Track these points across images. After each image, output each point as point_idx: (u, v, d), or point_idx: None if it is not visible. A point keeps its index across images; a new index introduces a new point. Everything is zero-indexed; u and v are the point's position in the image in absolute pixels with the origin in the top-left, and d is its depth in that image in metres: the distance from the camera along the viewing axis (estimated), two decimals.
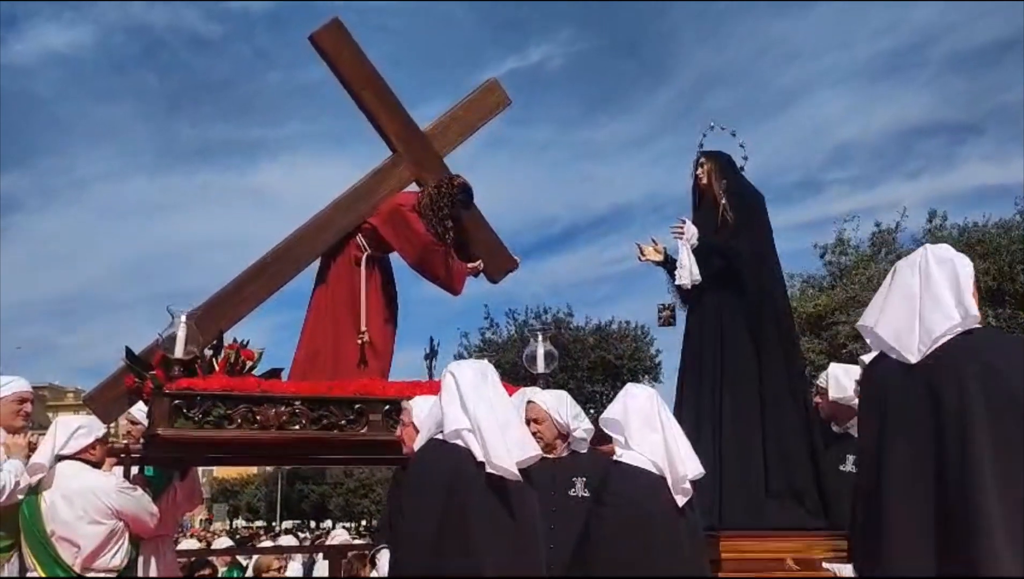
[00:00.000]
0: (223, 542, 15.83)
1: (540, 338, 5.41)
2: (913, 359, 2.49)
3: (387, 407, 4.68)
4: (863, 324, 2.75)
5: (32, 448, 4.22)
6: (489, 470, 2.81)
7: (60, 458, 3.98)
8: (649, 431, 3.16)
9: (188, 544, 12.99)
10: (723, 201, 4.81)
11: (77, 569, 3.76)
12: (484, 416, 2.90)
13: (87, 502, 3.85)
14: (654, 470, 3.09)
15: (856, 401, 4.06)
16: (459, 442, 2.87)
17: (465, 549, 2.71)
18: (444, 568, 2.68)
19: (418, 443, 3.09)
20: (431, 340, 5.77)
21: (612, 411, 3.25)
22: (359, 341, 5.27)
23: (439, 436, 2.95)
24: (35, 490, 3.88)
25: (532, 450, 2.97)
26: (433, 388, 4.74)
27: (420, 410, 3.92)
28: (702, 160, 4.96)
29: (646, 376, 21.27)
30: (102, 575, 3.86)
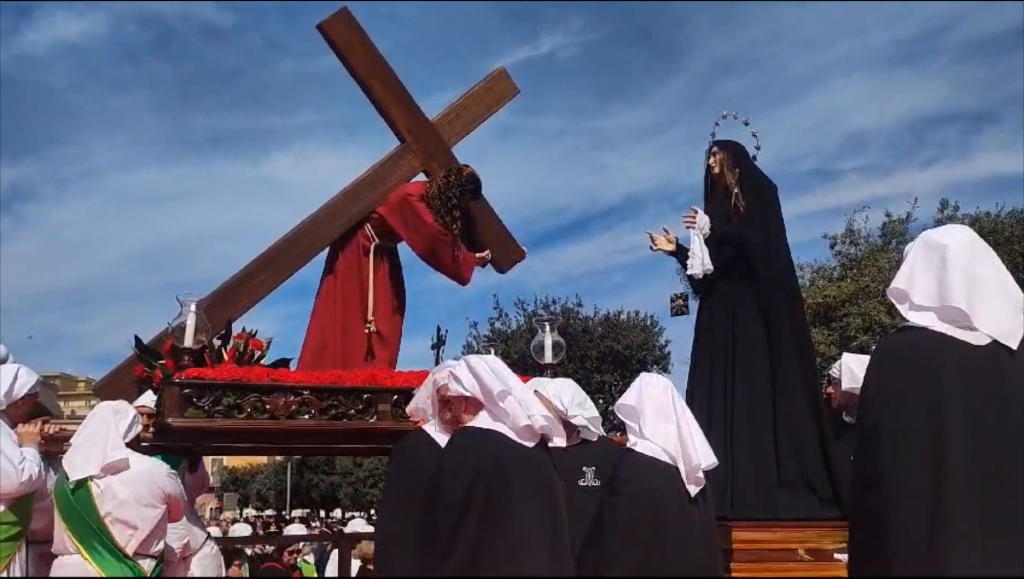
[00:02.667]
0: (242, 529, 15.96)
1: (548, 328, 5.39)
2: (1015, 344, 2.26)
3: (395, 397, 4.68)
4: (920, 301, 2.39)
5: (44, 436, 4.22)
6: (539, 424, 2.95)
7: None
8: (663, 421, 3.15)
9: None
10: (735, 190, 4.78)
11: (130, 551, 3.74)
12: (517, 386, 3.05)
13: (144, 485, 3.82)
14: (667, 459, 3.08)
15: None
16: (496, 427, 2.95)
17: (508, 528, 2.79)
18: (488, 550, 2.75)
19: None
20: (438, 329, 5.77)
21: (627, 399, 3.25)
22: (366, 331, 5.27)
23: (476, 423, 2.99)
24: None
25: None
26: None
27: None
28: (714, 149, 4.94)
29: (655, 366, 21.28)
30: (147, 559, 3.83)
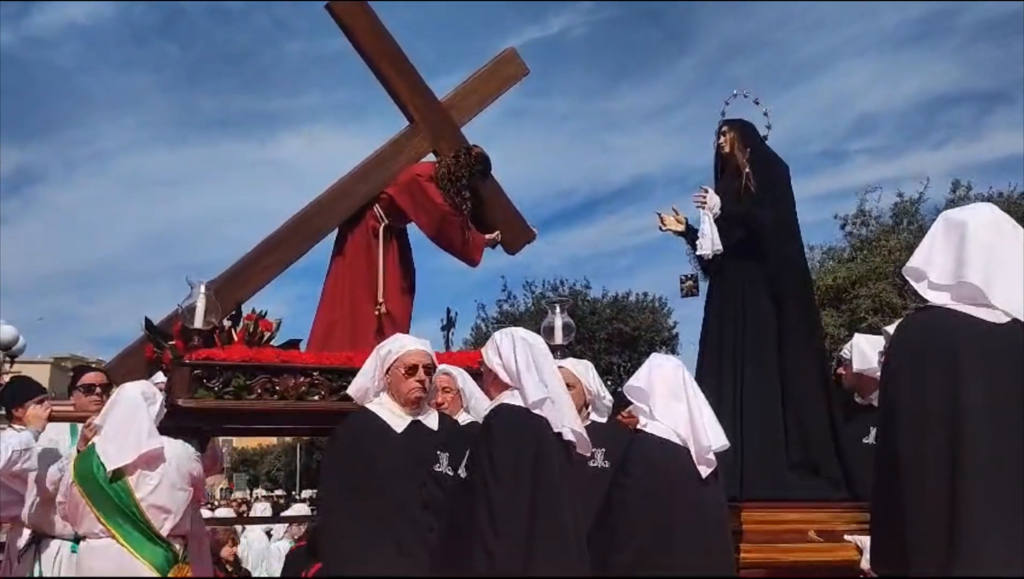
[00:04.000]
0: (262, 508, 16.13)
1: (557, 310, 5.38)
2: None
3: None
4: (938, 280, 2.36)
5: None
6: (567, 437, 2.94)
7: None
8: (674, 401, 3.12)
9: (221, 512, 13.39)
10: (746, 170, 4.72)
11: (164, 534, 3.71)
12: (556, 387, 3.02)
13: (174, 469, 3.81)
14: (677, 441, 3.07)
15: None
16: (538, 411, 2.94)
17: (558, 514, 2.81)
18: (543, 536, 2.75)
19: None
20: (448, 311, 5.76)
21: (637, 380, 3.23)
22: (376, 312, 5.25)
23: (512, 401, 2.98)
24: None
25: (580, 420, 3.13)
26: (452, 359, 4.73)
27: (463, 378, 3.97)
28: (725, 128, 4.87)
29: (664, 348, 21.22)
30: (179, 540, 3.81)
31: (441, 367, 4.23)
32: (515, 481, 2.79)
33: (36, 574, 4.05)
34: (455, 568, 2.81)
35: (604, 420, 3.99)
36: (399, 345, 3.54)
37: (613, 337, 21.09)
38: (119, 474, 3.69)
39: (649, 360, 3.31)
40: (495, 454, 2.83)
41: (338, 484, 3.35)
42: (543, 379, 2.99)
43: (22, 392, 4.37)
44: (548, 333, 5.29)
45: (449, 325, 5.73)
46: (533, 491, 2.79)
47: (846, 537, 4.03)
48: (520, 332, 3.16)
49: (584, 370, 3.98)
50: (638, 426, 3.19)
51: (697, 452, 3.06)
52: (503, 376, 3.04)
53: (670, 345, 21.73)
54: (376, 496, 3.22)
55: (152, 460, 3.75)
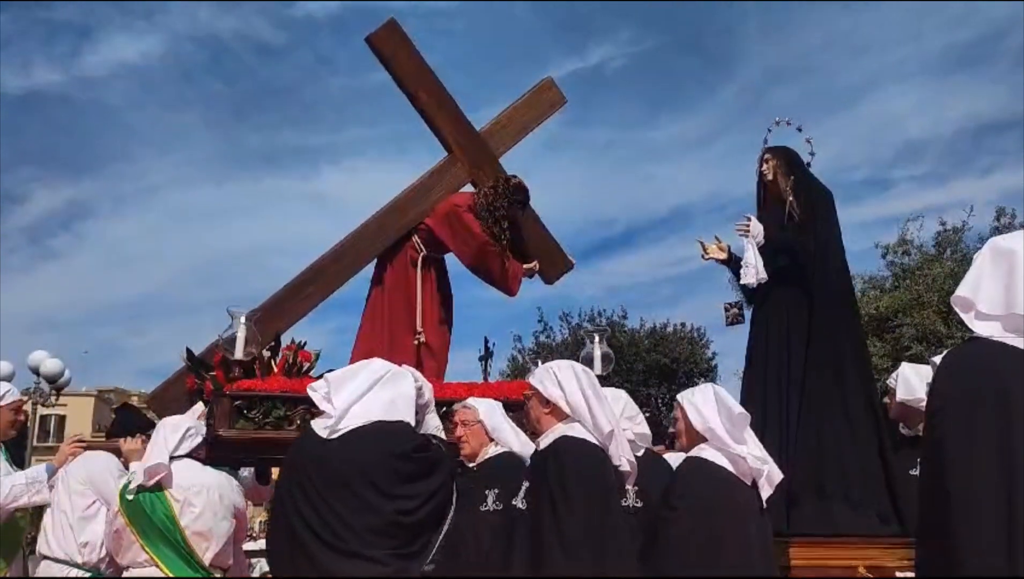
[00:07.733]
0: None
1: (596, 340, 5.33)
2: None
3: (444, 409, 4.64)
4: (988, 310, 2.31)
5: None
6: (624, 469, 2.95)
7: (171, 458, 3.89)
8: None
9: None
10: (790, 197, 4.68)
11: (206, 563, 3.73)
12: (614, 418, 3.03)
13: (217, 497, 3.83)
14: (731, 469, 3.03)
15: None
16: (595, 441, 2.93)
17: (626, 544, 2.84)
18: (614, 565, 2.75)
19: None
20: (486, 341, 5.74)
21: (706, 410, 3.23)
22: (415, 342, 5.25)
23: (573, 433, 2.94)
24: (159, 488, 3.79)
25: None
26: (490, 390, 4.69)
27: (486, 411, 3.92)
28: (767, 156, 4.85)
29: (702, 379, 20.98)
30: (219, 572, 3.81)
31: (464, 401, 4.19)
32: (588, 510, 2.76)
33: None
34: None
35: (639, 453, 3.91)
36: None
37: (651, 368, 20.91)
38: (162, 500, 3.73)
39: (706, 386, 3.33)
40: (568, 484, 2.79)
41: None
42: (606, 411, 2.99)
43: (130, 424, 4.51)
44: (587, 363, 5.23)
45: (487, 356, 5.70)
46: (604, 520, 2.76)
47: (897, 574, 3.90)
48: (577, 365, 3.14)
49: (613, 400, 3.89)
50: (694, 452, 3.15)
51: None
52: (564, 408, 3.00)
53: (708, 376, 21.49)
54: None
55: (155, 477, 3.76)
